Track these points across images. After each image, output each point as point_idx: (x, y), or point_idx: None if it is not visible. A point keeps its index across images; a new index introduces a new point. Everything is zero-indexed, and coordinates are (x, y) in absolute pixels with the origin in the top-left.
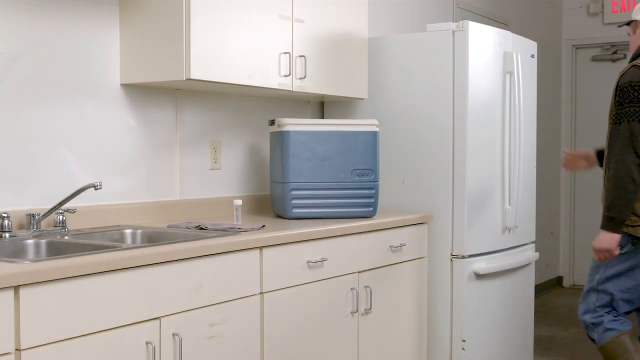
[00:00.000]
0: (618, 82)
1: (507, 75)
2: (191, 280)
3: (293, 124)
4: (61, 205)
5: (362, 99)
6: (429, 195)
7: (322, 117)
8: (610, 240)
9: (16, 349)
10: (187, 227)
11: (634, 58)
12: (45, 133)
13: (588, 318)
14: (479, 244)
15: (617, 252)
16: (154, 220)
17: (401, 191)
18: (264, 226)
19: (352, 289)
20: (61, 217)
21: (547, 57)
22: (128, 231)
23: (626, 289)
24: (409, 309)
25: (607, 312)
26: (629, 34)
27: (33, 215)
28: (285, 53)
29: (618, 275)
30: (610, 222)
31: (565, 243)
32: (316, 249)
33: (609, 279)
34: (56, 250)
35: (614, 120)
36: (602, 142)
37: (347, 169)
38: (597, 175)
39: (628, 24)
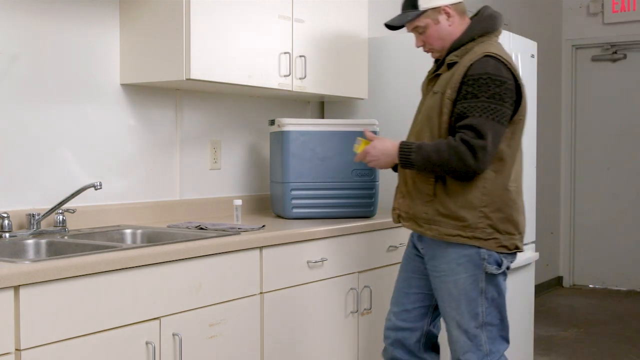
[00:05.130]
0: (467, 71)
1: None
2: (191, 280)
3: (293, 124)
4: (61, 205)
5: (362, 99)
6: None
7: (322, 117)
8: (391, 158)
9: (16, 349)
10: (187, 227)
11: (450, 50)
12: (45, 133)
13: None
14: None
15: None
16: (154, 220)
17: None
18: (264, 226)
19: (352, 289)
20: (61, 217)
21: (547, 57)
22: (128, 231)
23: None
24: None
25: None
26: (420, 32)
27: (33, 215)
28: (285, 53)
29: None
30: (410, 161)
31: (565, 243)
32: (316, 249)
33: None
34: (56, 250)
35: (466, 110)
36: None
37: (347, 169)
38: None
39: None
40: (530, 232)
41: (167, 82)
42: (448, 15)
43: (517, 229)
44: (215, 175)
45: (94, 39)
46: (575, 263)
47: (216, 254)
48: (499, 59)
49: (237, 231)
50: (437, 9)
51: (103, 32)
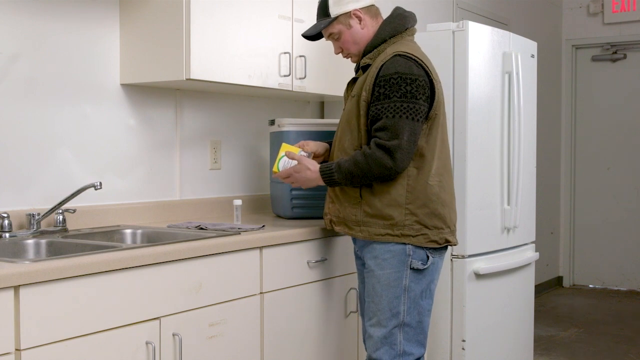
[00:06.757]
0: (378, 73)
1: (507, 76)
2: (191, 280)
3: (293, 124)
4: (61, 205)
5: None
6: None
7: (322, 117)
8: (315, 182)
9: (16, 349)
10: (187, 227)
11: (365, 53)
12: (45, 133)
13: None
14: (479, 244)
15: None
16: (154, 220)
17: None
18: (263, 226)
19: (352, 288)
20: (61, 217)
21: (547, 57)
22: (128, 231)
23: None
24: None
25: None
26: (335, 38)
27: (33, 215)
28: (285, 53)
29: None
30: (334, 180)
31: (565, 243)
32: (316, 249)
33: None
34: (56, 250)
35: (379, 111)
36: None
37: None
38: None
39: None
40: (530, 232)
41: (167, 82)
42: (359, 19)
43: (445, 223)
44: (215, 175)
45: (94, 39)
46: (575, 263)
47: (216, 254)
48: (409, 57)
49: (237, 231)
50: (347, 14)
51: (103, 32)
